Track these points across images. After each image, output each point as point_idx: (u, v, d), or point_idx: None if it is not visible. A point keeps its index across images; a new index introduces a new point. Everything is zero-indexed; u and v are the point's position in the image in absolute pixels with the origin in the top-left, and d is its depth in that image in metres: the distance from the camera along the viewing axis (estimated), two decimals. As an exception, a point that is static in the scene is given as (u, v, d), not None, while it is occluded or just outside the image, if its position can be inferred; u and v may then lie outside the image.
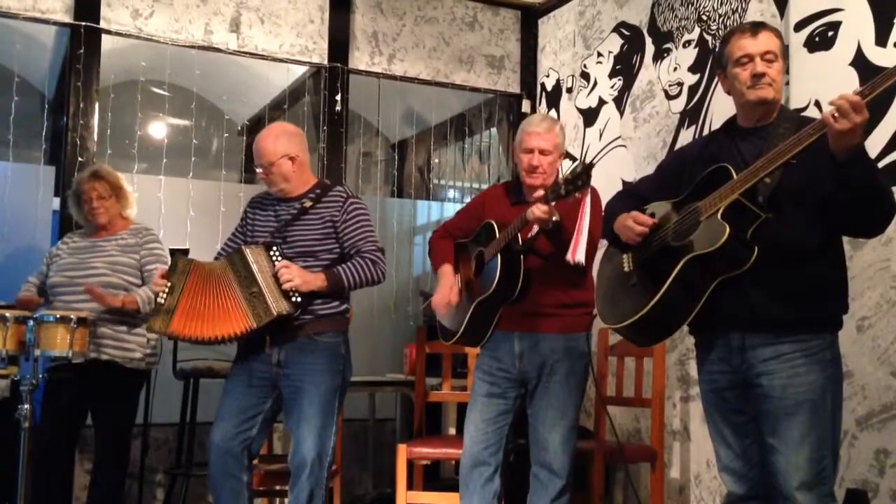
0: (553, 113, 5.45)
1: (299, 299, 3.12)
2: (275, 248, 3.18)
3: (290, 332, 3.18)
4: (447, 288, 3.26)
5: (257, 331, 3.11)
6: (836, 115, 2.10)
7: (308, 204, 3.27)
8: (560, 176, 3.06)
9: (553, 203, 2.82)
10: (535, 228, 3.08)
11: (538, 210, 2.84)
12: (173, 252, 3.65)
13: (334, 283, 3.18)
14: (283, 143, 3.27)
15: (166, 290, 3.20)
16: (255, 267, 3.11)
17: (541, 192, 2.89)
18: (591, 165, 2.78)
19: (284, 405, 3.24)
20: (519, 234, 3.08)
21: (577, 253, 2.87)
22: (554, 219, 2.88)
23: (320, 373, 3.20)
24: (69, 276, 3.71)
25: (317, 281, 3.16)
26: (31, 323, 3.26)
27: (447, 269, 3.30)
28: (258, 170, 3.31)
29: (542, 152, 3.15)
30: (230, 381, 3.29)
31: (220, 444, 3.20)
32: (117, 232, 3.83)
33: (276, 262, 3.14)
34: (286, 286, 3.10)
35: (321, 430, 3.18)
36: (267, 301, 3.07)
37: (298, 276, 3.11)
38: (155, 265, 3.74)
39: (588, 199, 2.85)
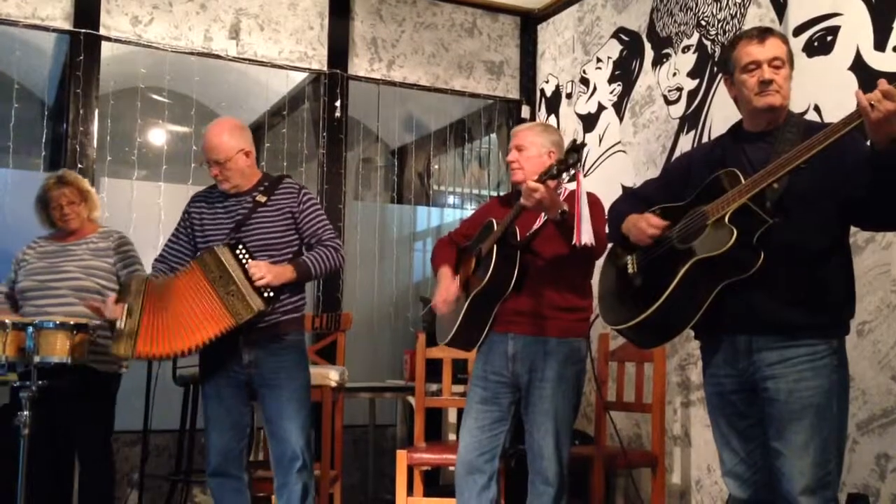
0: (552, 119, 5.46)
1: (272, 294, 3.15)
2: (240, 247, 3.19)
3: (258, 332, 3.21)
4: (444, 287, 3.25)
5: (237, 329, 3.12)
6: (872, 104, 2.07)
7: (262, 198, 3.30)
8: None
9: (546, 183, 2.80)
10: (535, 226, 3.07)
11: (529, 184, 2.81)
12: None
13: (304, 274, 3.24)
14: (238, 138, 3.30)
15: (124, 313, 3.16)
16: (229, 266, 3.13)
17: (534, 177, 2.90)
18: (581, 144, 2.78)
19: (263, 403, 3.27)
20: (518, 232, 3.07)
21: (583, 235, 2.82)
22: (564, 207, 2.87)
23: (293, 369, 3.27)
24: (40, 280, 3.69)
25: (286, 273, 3.20)
26: (30, 329, 3.25)
27: (445, 271, 3.30)
28: (212, 167, 3.29)
29: (517, 148, 3.21)
30: (211, 388, 3.30)
31: (222, 448, 3.25)
32: (86, 236, 3.82)
33: (245, 261, 3.16)
34: (260, 283, 3.12)
35: (304, 424, 3.24)
36: (246, 299, 3.10)
37: (270, 273, 3.14)
38: (133, 267, 3.75)
39: (582, 184, 2.84)
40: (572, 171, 2.80)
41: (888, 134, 2.10)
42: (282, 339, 3.26)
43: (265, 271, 3.13)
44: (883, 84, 2.06)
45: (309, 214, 3.32)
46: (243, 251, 3.18)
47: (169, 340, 3.13)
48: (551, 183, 2.83)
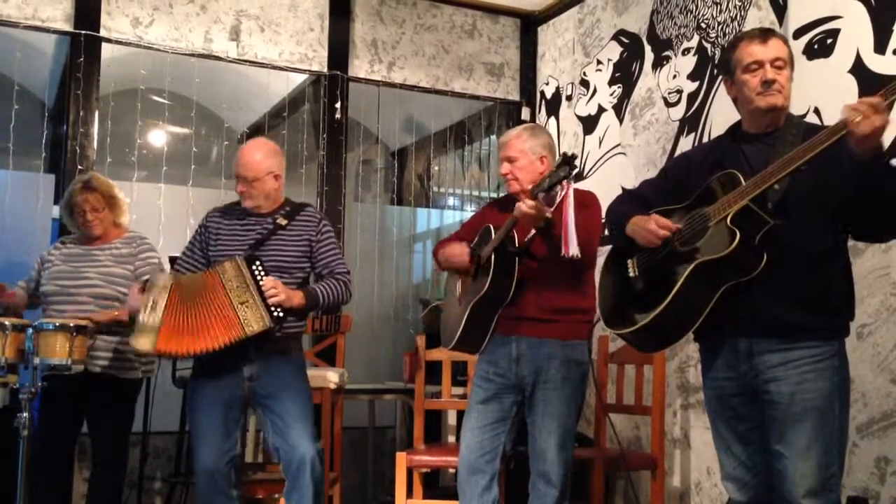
0: (552, 120, 5.46)
1: (282, 314, 3.16)
2: (257, 263, 3.20)
3: (260, 347, 3.21)
4: (459, 251, 3.26)
5: (244, 340, 3.13)
6: (857, 119, 2.07)
7: (283, 222, 3.33)
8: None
9: (539, 197, 2.83)
10: (532, 231, 3.08)
11: (523, 205, 2.85)
12: (173, 259, 3.65)
13: (312, 302, 3.26)
14: (270, 161, 3.33)
15: (148, 307, 3.17)
16: (246, 278, 3.15)
17: (527, 189, 2.91)
18: (572, 157, 2.79)
19: (267, 414, 3.26)
20: (515, 237, 3.08)
21: (570, 246, 2.86)
22: (546, 215, 2.89)
23: (295, 380, 3.29)
24: (62, 284, 3.68)
25: (296, 298, 3.21)
26: (30, 331, 3.24)
27: (455, 244, 3.33)
28: (239, 182, 3.32)
29: (508, 160, 3.21)
30: (201, 400, 3.28)
31: (208, 465, 3.22)
32: (111, 241, 3.79)
33: (260, 278, 3.16)
34: (272, 301, 3.13)
35: (312, 430, 3.25)
36: (260, 312, 3.12)
37: (284, 293, 3.16)
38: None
39: (570, 194, 2.86)
40: (564, 184, 2.81)
41: (871, 147, 2.12)
42: (283, 355, 3.28)
43: (280, 289, 3.15)
44: (869, 99, 2.07)
45: (325, 245, 3.36)
46: (260, 268, 3.19)
47: (187, 340, 3.14)
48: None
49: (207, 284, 3.20)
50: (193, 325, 3.15)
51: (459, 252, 3.27)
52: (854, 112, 2.08)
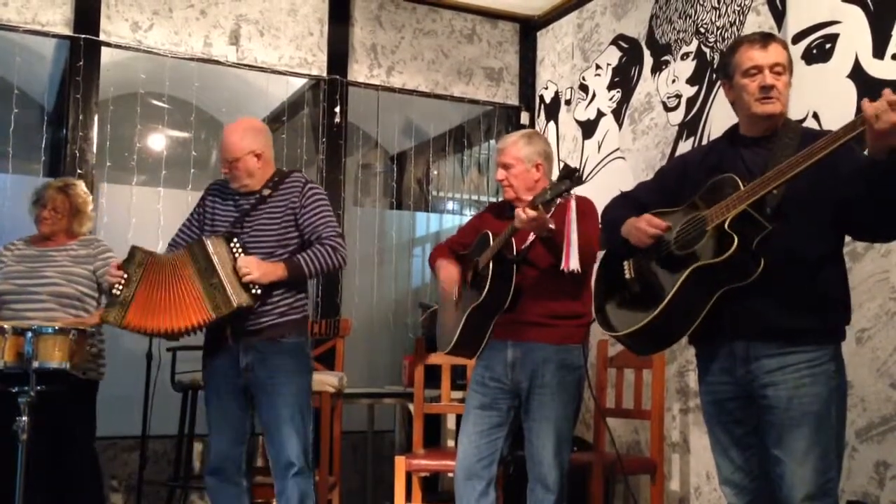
0: (551, 125, 5.47)
1: (259, 291, 3.12)
2: (235, 240, 3.17)
3: (254, 335, 3.18)
4: (448, 272, 3.26)
5: (216, 322, 3.11)
6: (877, 115, 2.04)
7: (266, 192, 3.28)
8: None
9: (540, 207, 2.83)
10: (529, 239, 3.09)
11: (524, 213, 2.85)
12: None
13: (294, 273, 3.19)
14: (250, 140, 3.28)
15: (122, 280, 3.17)
16: (215, 258, 3.12)
17: (525, 199, 2.91)
18: (574, 170, 2.80)
19: (259, 408, 3.25)
20: (514, 245, 3.08)
21: (571, 261, 2.86)
22: (550, 226, 2.89)
23: (290, 373, 3.22)
24: (19, 284, 3.69)
25: (277, 271, 3.16)
26: (29, 335, 3.24)
27: (444, 261, 3.32)
28: (223, 164, 3.30)
29: (503, 167, 3.21)
30: (210, 393, 3.31)
31: (221, 451, 3.24)
32: (67, 243, 3.82)
33: (237, 255, 3.14)
34: (245, 279, 3.09)
35: (303, 429, 3.21)
36: (227, 292, 3.08)
37: (257, 270, 3.11)
38: None
39: (573, 207, 2.86)
40: (565, 196, 2.80)
41: (889, 145, 2.10)
42: (278, 343, 3.21)
43: (253, 267, 3.11)
44: (889, 94, 2.04)
45: (309, 210, 3.27)
46: (237, 245, 3.16)
47: (156, 317, 3.12)
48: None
49: (182, 264, 3.18)
50: (164, 305, 3.13)
51: (450, 280, 3.25)
52: (872, 109, 2.05)
